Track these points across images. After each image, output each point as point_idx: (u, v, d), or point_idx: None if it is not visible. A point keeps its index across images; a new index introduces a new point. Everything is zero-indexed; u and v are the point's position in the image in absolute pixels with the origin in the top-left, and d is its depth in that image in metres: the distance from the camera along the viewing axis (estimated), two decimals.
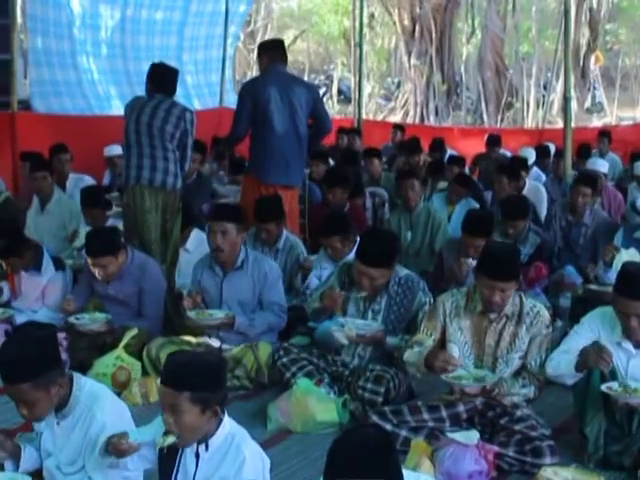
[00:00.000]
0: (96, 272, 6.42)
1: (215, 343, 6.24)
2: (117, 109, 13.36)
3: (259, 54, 8.38)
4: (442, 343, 5.18)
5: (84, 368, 5.92)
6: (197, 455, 3.53)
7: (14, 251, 6.81)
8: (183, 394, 3.37)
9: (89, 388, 3.91)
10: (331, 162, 11.84)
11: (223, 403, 3.52)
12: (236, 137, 8.42)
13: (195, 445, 3.53)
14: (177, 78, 7.68)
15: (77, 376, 3.95)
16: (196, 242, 7.68)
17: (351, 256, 6.62)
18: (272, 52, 8.20)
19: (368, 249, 5.56)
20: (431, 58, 25.36)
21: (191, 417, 3.40)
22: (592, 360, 4.66)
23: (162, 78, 7.53)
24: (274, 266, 6.49)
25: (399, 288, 5.67)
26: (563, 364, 4.87)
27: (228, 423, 3.56)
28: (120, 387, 5.84)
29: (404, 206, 8.79)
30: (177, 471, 3.59)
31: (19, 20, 12.08)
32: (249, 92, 8.08)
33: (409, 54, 25.87)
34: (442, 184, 10.52)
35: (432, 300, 5.63)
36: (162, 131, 7.32)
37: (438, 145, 13.44)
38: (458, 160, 11.65)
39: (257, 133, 8.17)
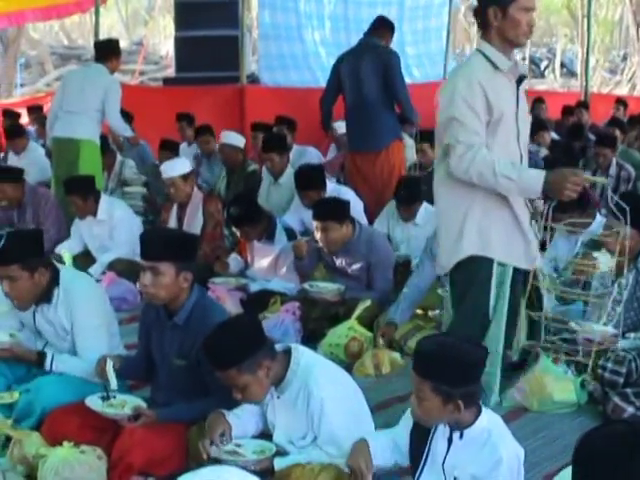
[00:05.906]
0: (318, 236, 6.50)
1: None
2: None
3: None
4: None
5: (316, 337, 6.04)
6: (449, 440, 3.47)
7: (248, 220, 6.94)
8: (426, 381, 3.35)
9: (305, 362, 3.90)
10: (555, 136, 11.73)
11: (471, 399, 3.41)
12: (321, 109, 8.79)
13: (448, 430, 3.47)
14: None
15: (295, 349, 3.95)
16: (426, 216, 7.58)
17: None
18: (371, 27, 8.62)
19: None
20: None
21: (431, 405, 3.36)
22: None
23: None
24: None
25: None
26: None
27: (487, 417, 3.47)
28: (353, 358, 5.86)
29: None
30: (428, 451, 3.54)
31: None
32: (335, 64, 8.66)
33: (637, 25, 24.97)
34: None
35: None
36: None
37: None
38: None
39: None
